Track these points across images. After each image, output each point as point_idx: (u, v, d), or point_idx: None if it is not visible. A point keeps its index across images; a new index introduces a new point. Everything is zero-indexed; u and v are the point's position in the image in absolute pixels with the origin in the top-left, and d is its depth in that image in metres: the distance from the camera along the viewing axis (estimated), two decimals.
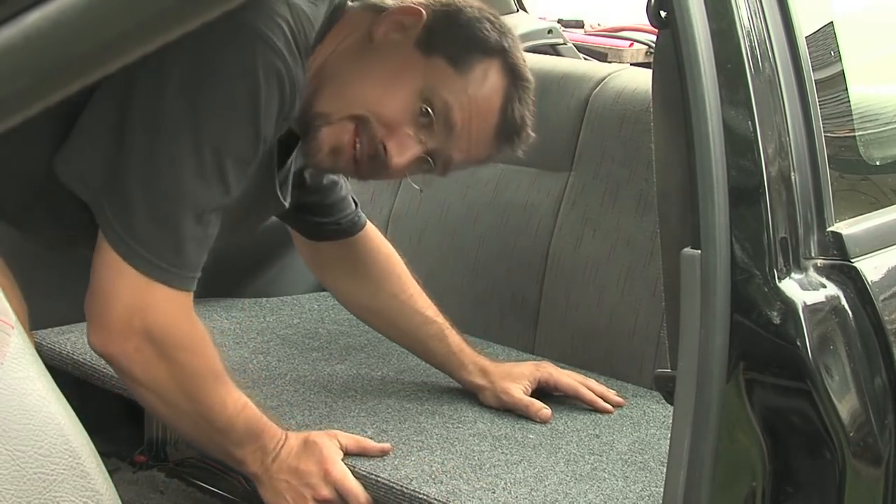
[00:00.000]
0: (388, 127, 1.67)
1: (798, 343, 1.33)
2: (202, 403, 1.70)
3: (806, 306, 1.34)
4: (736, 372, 1.33)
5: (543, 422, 1.94)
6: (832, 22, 1.59)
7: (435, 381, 2.05)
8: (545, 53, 2.90)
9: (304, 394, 1.93)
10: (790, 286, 1.34)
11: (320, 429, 1.79)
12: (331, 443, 1.73)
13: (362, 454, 1.75)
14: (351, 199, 2.07)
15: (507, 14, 3.05)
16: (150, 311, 1.64)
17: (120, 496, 1.14)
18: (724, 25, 1.34)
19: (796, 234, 1.36)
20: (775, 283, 1.33)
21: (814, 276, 1.37)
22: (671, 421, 1.38)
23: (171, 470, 2.37)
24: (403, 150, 1.68)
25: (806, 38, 1.42)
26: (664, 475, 1.61)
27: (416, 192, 2.42)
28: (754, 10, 1.37)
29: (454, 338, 2.03)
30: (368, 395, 1.98)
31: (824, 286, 1.38)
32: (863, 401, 1.38)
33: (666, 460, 1.64)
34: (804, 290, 1.35)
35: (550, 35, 3.06)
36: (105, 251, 1.64)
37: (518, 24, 3.03)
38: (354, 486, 1.70)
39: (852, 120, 1.61)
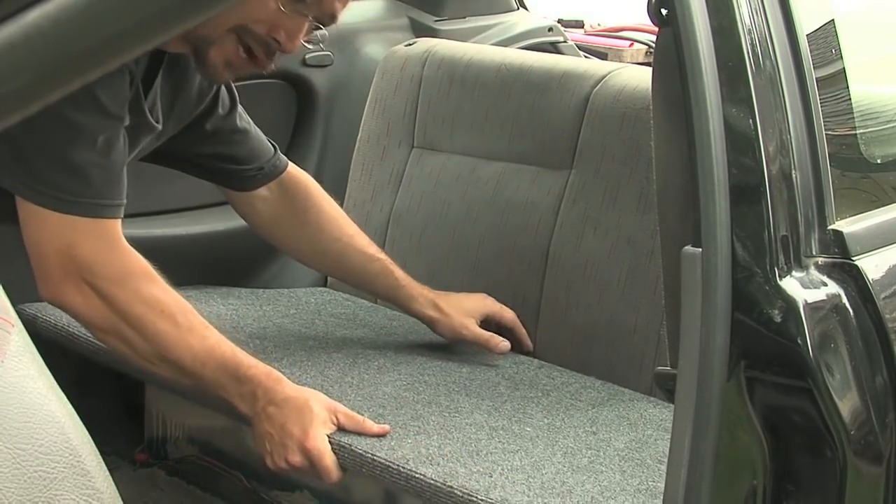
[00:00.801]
0: (269, 22, 1.75)
1: (799, 341, 1.32)
2: (156, 343, 1.76)
3: (807, 304, 1.34)
4: (737, 370, 1.33)
5: (502, 353, 2.10)
6: (833, 20, 1.59)
7: (432, 373, 2.05)
8: (546, 52, 2.90)
9: (299, 377, 1.92)
10: (791, 284, 1.34)
11: None
12: (325, 414, 1.75)
13: (360, 433, 1.76)
14: (269, 143, 2.16)
15: (507, 12, 3.05)
16: (76, 247, 1.73)
17: (120, 494, 1.14)
18: (725, 23, 1.34)
19: (797, 232, 1.36)
20: (776, 282, 1.33)
21: (815, 274, 1.37)
22: (669, 423, 1.38)
23: (171, 468, 2.37)
24: (293, 35, 1.77)
25: (807, 35, 1.42)
26: (661, 472, 1.60)
27: (417, 191, 2.43)
28: (755, 8, 1.37)
29: (399, 272, 2.16)
30: (365, 382, 1.98)
31: (825, 284, 1.37)
32: (864, 399, 1.38)
33: (663, 459, 1.64)
34: (805, 288, 1.35)
35: (551, 33, 3.05)
36: (24, 207, 1.73)
37: (518, 21, 3.03)
38: (327, 462, 1.72)
39: (853, 118, 1.60)
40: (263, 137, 2.16)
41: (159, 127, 1.93)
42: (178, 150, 2.04)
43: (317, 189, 2.20)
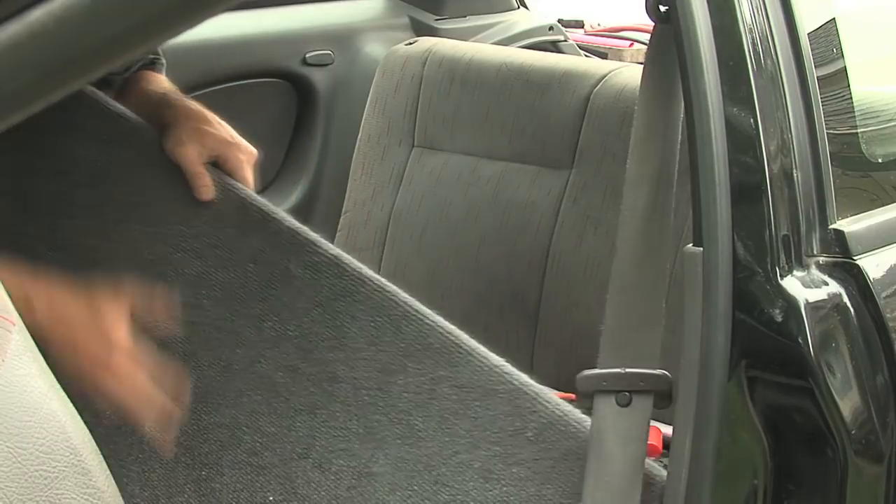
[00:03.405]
0: None
1: (800, 340, 1.32)
2: None
3: (808, 304, 1.34)
4: (738, 370, 1.33)
5: (206, 200, 1.65)
6: (834, 19, 1.59)
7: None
8: (546, 51, 2.90)
9: None
10: (792, 284, 1.34)
11: None
12: None
13: None
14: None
15: (508, 11, 3.05)
16: None
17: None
18: (726, 22, 1.34)
19: (798, 231, 1.36)
20: (777, 281, 1.33)
21: (816, 273, 1.37)
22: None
23: None
24: None
25: (808, 34, 1.42)
26: None
27: (418, 191, 2.43)
28: (756, 7, 1.37)
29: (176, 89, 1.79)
30: None
31: (826, 284, 1.37)
32: (864, 398, 1.38)
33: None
34: (806, 287, 1.35)
35: (551, 32, 3.06)
36: None
37: (519, 20, 3.03)
38: None
39: (854, 117, 1.60)
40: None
41: None
42: None
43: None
